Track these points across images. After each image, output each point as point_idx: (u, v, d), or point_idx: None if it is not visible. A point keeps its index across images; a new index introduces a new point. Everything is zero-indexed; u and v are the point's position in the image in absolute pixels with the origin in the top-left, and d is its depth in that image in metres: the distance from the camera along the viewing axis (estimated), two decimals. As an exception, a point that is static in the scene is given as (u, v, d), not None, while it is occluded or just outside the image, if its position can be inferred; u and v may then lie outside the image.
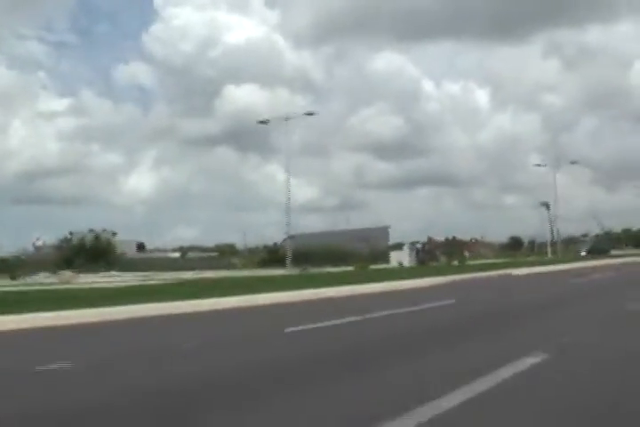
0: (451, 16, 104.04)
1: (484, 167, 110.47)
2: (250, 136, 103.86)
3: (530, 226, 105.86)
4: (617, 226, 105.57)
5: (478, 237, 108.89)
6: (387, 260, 46.71)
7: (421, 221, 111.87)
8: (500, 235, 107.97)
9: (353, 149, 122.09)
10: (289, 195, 44.47)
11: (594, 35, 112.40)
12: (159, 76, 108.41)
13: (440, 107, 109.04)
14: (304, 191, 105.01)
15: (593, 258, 41.69)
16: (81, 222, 76.87)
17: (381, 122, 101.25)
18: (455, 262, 42.59)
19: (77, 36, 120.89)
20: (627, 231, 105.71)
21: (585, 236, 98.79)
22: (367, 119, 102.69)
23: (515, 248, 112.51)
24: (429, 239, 48.82)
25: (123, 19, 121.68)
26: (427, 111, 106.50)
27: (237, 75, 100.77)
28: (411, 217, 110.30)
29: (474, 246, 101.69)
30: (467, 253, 48.45)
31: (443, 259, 45.38)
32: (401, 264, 41.10)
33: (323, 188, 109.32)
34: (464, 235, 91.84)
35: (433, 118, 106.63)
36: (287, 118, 43.97)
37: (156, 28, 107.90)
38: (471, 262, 43.43)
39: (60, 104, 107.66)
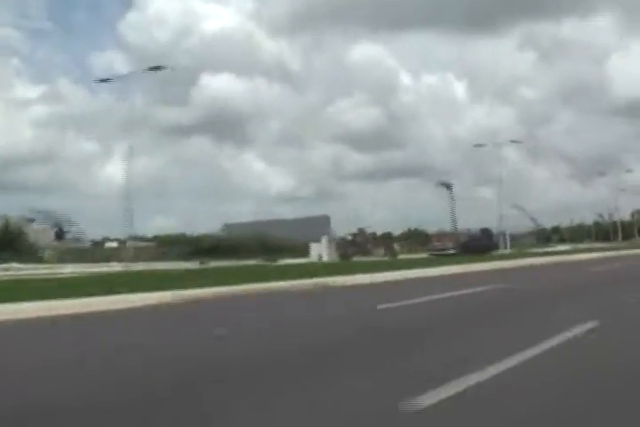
0: (427, 7, 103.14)
1: (459, 159, 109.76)
2: (226, 125, 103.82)
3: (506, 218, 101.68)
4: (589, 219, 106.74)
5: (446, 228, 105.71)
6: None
7: (397, 213, 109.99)
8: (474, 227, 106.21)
9: (330, 140, 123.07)
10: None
11: (570, 28, 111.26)
12: (135, 65, 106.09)
13: (417, 98, 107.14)
14: (280, 181, 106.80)
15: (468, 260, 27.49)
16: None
17: (358, 113, 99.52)
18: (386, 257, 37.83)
19: (53, 23, 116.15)
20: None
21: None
22: (344, 110, 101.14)
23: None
24: (360, 231, 43.96)
25: (99, 6, 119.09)
26: (403, 103, 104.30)
27: (214, 64, 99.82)
28: (387, 208, 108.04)
29: (441, 238, 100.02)
30: (397, 247, 43.56)
31: (379, 252, 40.60)
32: (320, 258, 36.20)
33: (299, 178, 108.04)
34: (440, 226, 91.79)
35: (410, 110, 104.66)
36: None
37: (132, 17, 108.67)
38: (407, 257, 38.54)
39: (35, 91, 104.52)
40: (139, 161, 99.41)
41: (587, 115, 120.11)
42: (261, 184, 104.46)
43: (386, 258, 36.52)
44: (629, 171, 79.01)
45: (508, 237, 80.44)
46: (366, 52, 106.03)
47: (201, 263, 32.33)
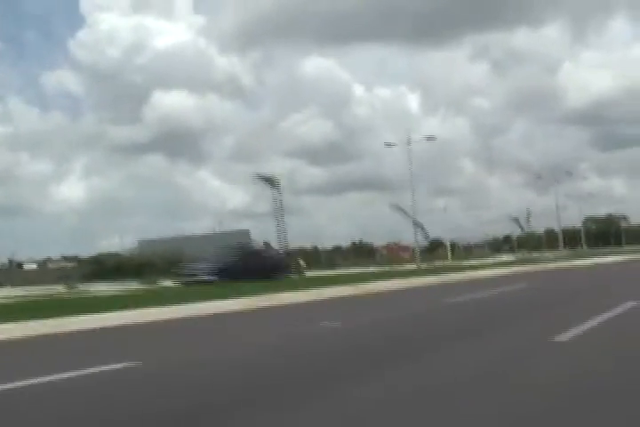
0: (376, 20, 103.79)
1: (416, 171, 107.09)
2: (180, 142, 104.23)
3: (463, 229, 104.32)
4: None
5: (397, 240, 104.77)
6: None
7: (354, 226, 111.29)
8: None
9: (284, 154, 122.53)
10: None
11: (520, 38, 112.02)
12: (87, 83, 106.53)
13: (370, 111, 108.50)
14: (236, 197, 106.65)
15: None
16: (6, 233, 74.98)
17: (312, 127, 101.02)
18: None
19: (2, 42, 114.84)
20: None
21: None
22: (297, 124, 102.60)
23: (432, 250, 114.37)
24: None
25: (49, 25, 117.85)
26: (357, 115, 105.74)
27: (166, 80, 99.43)
28: (344, 222, 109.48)
29: (392, 250, 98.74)
30: (302, 262, 39.69)
31: (299, 269, 36.95)
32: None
33: (254, 193, 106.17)
34: (394, 238, 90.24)
35: (363, 123, 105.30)
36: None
37: (83, 35, 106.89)
38: (323, 275, 34.22)
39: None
40: (92, 180, 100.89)
41: (540, 124, 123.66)
42: (217, 200, 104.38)
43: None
44: (568, 174, 76.90)
45: (448, 247, 77.42)
46: (317, 65, 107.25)
47: (68, 287, 28.32)
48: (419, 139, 49.22)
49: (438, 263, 46.00)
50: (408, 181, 43.49)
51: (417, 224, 75.04)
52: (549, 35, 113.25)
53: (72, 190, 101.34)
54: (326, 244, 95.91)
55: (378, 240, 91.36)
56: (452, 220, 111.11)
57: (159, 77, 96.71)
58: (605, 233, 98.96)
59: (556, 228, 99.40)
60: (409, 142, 46.88)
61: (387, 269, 37.56)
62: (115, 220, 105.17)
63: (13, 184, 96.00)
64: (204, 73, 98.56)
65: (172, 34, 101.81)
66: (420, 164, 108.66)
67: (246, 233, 51.74)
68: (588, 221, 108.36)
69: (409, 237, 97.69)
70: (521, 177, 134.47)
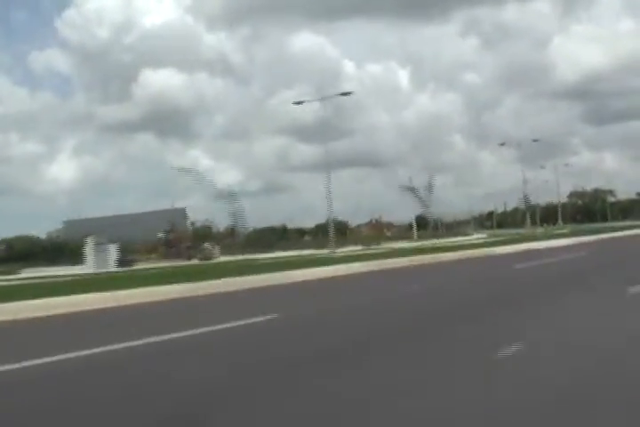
0: None
1: (407, 147, 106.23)
2: (170, 121, 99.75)
3: (452, 205, 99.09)
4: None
5: (378, 216, 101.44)
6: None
7: (348, 203, 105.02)
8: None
9: (275, 132, 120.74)
10: None
11: (511, 12, 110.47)
12: (75, 63, 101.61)
13: (361, 87, 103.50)
14: (228, 175, 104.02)
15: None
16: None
17: (303, 104, 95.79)
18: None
19: None
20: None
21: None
22: (288, 101, 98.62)
23: (420, 228, 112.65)
24: (172, 228, 35.18)
25: (36, 5, 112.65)
26: (348, 92, 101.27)
27: (155, 59, 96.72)
28: (336, 199, 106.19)
29: (375, 228, 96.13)
30: (211, 246, 34.19)
31: (210, 252, 31.96)
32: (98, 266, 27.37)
33: (246, 172, 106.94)
34: (388, 216, 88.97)
35: (354, 99, 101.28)
36: None
37: (70, 14, 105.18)
38: (261, 259, 29.11)
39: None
40: (83, 160, 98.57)
41: (531, 99, 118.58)
42: (209, 179, 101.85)
43: (195, 262, 27.90)
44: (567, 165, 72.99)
45: (415, 227, 73.20)
46: (307, 42, 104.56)
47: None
48: (333, 94, 44.37)
49: (385, 246, 40.97)
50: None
51: (425, 205, 71.02)
52: (539, 9, 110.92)
53: (62, 170, 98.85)
54: (310, 223, 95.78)
55: (366, 217, 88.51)
56: (443, 196, 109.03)
57: (148, 56, 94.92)
58: (591, 209, 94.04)
59: (545, 203, 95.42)
60: (323, 99, 42.61)
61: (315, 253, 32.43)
62: (106, 200, 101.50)
63: (3, 164, 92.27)
64: (192, 51, 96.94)
65: (160, 12, 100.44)
66: (411, 139, 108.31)
67: (182, 211, 46.65)
68: (574, 195, 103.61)
69: (401, 213, 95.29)
70: (511, 152, 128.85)
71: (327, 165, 38.91)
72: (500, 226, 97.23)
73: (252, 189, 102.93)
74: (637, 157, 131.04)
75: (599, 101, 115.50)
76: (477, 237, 56.73)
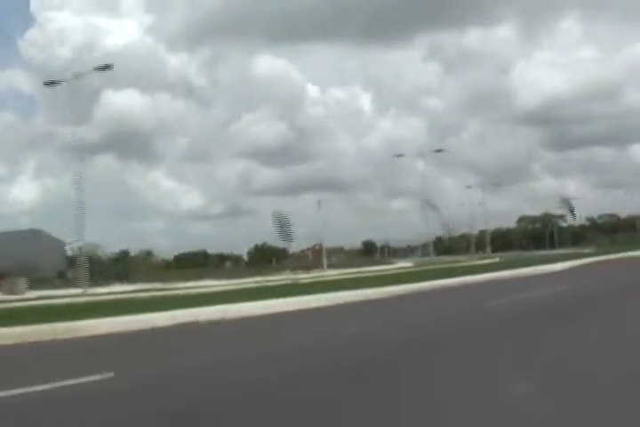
0: (327, 19, 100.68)
1: (369, 172, 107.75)
2: (132, 143, 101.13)
3: (413, 229, 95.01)
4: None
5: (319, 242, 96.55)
6: None
7: (309, 227, 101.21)
8: (391, 239, 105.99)
9: (238, 155, 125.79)
10: None
11: (473, 38, 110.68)
12: (37, 82, 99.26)
13: (324, 111, 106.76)
14: (190, 198, 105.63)
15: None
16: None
17: (265, 127, 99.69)
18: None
19: None
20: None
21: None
22: (251, 124, 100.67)
23: (368, 254, 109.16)
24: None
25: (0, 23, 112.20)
26: (310, 116, 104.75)
27: (116, 80, 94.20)
28: (299, 223, 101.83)
29: (316, 253, 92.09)
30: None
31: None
32: None
33: (209, 194, 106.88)
34: (351, 240, 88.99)
35: (317, 123, 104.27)
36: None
37: (33, 34, 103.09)
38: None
39: None
40: (42, 181, 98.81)
41: (494, 124, 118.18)
42: (172, 202, 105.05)
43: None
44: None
45: (323, 253, 67.66)
46: (270, 65, 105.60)
47: None
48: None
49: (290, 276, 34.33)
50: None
51: (444, 223, 66.88)
52: (502, 35, 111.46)
53: (23, 191, 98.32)
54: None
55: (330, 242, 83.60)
56: (402, 220, 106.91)
57: (110, 77, 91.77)
58: (540, 234, 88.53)
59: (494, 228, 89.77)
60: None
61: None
62: (67, 221, 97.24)
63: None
64: (154, 72, 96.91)
65: (123, 33, 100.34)
66: (374, 164, 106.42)
67: (37, 233, 39.11)
68: (523, 220, 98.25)
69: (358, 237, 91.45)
70: (474, 177, 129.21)
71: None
72: (448, 252, 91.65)
73: (215, 212, 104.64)
74: (598, 184, 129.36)
75: (560, 127, 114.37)
76: (400, 266, 50.32)
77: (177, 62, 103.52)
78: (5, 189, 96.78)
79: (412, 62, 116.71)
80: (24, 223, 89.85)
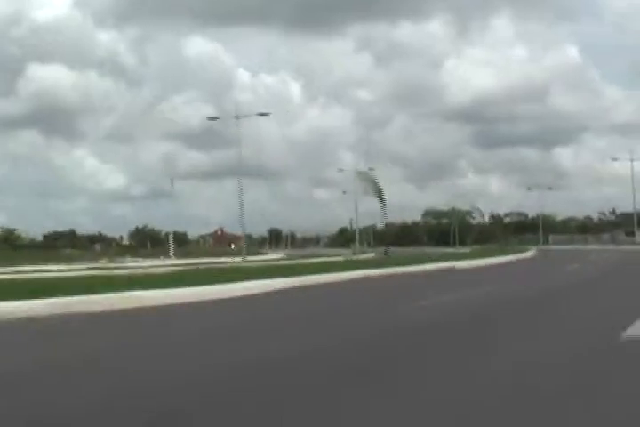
0: (258, 2, 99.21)
1: (294, 160, 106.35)
2: (55, 119, 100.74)
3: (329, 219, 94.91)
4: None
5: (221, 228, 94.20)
6: None
7: (230, 213, 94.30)
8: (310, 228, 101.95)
9: (163, 137, 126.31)
10: None
11: (405, 31, 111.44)
12: None
13: (252, 97, 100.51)
14: (113, 178, 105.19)
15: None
16: None
17: (192, 110, 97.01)
18: None
19: None
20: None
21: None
22: (178, 106, 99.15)
23: (273, 242, 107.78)
24: None
25: None
26: (238, 101, 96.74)
27: (43, 54, 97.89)
28: (219, 208, 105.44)
29: (219, 239, 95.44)
30: None
31: None
32: None
33: (131, 176, 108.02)
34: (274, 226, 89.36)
35: (244, 108, 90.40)
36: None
37: None
38: None
39: None
40: None
41: (422, 118, 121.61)
42: (94, 181, 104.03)
43: None
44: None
45: (171, 240, 61.03)
46: (200, 47, 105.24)
47: None
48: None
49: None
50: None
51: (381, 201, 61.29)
52: (433, 30, 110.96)
53: None
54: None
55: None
56: (326, 211, 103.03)
57: (36, 51, 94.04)
58: (444, 230, 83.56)
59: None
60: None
61: None
62: None
63: None
64: (83, 48, 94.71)
65: (52, 7, 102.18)
66: (300, 152, 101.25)
67: None
68: (429, 214, 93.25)
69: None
70: (400, 171, 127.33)
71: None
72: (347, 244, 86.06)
73: (138, 193, 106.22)
74: (521, 182, 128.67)
75: (488, 125, 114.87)
76: (272, 257, 43.63)
77: (106, 39, 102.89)
78: None
79: (342, 53, 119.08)
80: None
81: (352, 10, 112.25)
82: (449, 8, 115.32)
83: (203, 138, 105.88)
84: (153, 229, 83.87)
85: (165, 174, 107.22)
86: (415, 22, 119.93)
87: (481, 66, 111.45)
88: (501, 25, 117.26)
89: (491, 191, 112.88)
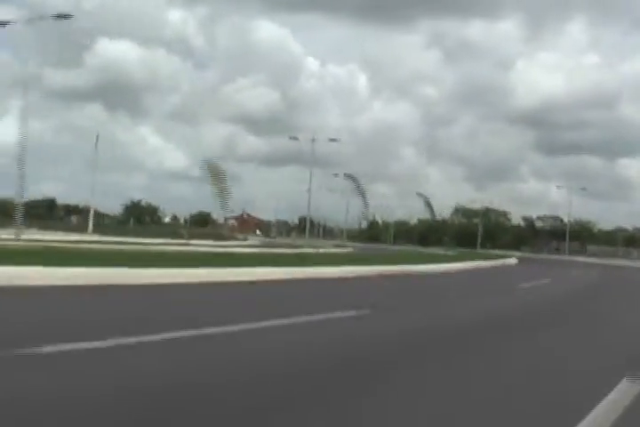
0: None
1: (355, 152, 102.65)
2: (121, 94, 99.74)
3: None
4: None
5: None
6: None
7: (285, 200, 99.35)
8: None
9: (226, 120, 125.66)
10: None
11: (476, 30, 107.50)
12: (31, 23, 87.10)
13: (318, 85, 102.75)
14: (173, 157, 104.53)
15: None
16: None
17: (257, 94, 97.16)
18: None
19: None
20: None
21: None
22: (243, 90, 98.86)
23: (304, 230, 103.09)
24: None
25: None
26: (303, 88, 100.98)
27: (113, 29, 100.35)
28: (276, 194, 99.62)
29: (243, 223, 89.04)
30: None
31: None
32: None
33: (191, 156, 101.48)
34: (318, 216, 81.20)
35: (309, 97, 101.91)
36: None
37: None
38: None
39: None
40: (28, 124, 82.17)
41: (486, 119, 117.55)
42: (154, 159, 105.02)
43: None
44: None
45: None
46: (270, 32, 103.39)
47: None
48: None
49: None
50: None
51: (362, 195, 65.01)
52: (506, 30, 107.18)
53: (4, 133, 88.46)
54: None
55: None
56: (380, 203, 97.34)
57: (106, 25, 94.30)
58: (472, 230, 78.32)
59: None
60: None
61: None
62: (44, 167, 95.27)
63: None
64: (153, 26, 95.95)
65: None
66: (360, 145, 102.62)
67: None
68: (459, 211, 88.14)
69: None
70: (460, 170, 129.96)
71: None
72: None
73: (196, 174, 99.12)
74: (581, 192, 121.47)
75: (552, 131, 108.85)
76: (248, 243, 41.03)
77: (176, 18, 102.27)
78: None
79: (411, 47, 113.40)
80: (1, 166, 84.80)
81: (424, 5, 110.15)
82: (522, 9, 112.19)
83: (265, 123, 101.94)
84: (148, 205, 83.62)
85: (225, 157, 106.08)
86: (487, 21, 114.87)
87: (551, 70, 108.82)
88: (575, 30, 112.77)
89: (550, 197, 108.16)
